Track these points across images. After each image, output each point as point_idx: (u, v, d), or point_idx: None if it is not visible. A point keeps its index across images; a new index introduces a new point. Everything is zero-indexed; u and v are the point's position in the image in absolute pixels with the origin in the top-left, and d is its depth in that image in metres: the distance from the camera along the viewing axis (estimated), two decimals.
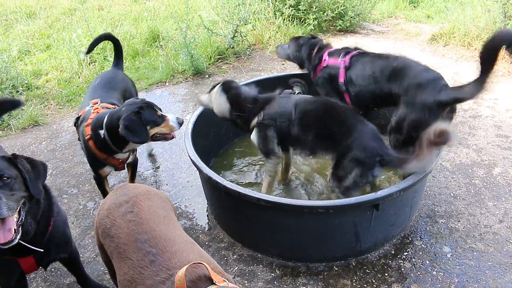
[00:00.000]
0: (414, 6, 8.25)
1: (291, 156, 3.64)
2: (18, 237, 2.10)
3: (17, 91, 5.64)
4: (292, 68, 6.05)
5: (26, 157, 2.27)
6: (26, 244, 2.21)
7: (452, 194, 3.65)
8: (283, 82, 3.88)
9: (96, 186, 3.74)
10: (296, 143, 3.25)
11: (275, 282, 2.96)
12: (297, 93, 3.59)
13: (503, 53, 5.58)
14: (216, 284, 1.62)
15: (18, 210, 2.10)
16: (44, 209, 2.31)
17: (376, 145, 2.98)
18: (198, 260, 1.74)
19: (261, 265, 3.11)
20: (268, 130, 3.24)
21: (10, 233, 2.04)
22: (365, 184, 3.11)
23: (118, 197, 2.15)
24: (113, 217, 2.05)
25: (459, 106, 4.84)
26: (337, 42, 6.92)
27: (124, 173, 4.14)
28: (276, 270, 3.06)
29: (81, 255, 3.19)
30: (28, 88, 5.79)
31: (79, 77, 6.07)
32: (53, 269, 3.17)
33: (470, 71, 5.66)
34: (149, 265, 1.76)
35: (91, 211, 3.72)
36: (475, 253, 3.11)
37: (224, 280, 1.66)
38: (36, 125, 5.06)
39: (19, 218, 2.12)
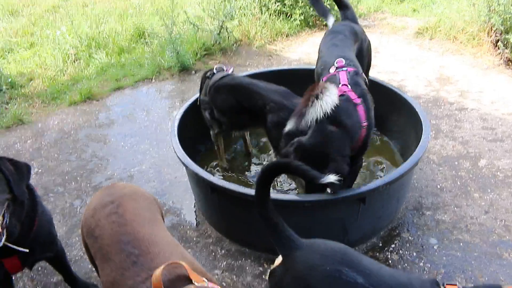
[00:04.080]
0: (401, 0, 8.26)
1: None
2: (3, 239, 2.07)
3: (1, 90, 5.56)
4: (278, 63, 6.05)
5: (9, 159, 2.24)
6: (10, 245, 2.18)
7: (438, 186, 3.68)
8: (271, 77, 3.90)
9: (82, 184, 3.72)
10: (221, 123, 3.71)
11: (263, 276, 2.96)
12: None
13: (488, 46, 5.65)
14: (194, 284, 1.61)
15: (2, 213, 2.07)
16: (28, 210, 2.28)
17: (283, 100, 3.16)
18: (180, 261, 1.73)
19: (249, 260, 3.11)
20: (204, 112, 3.80)
21: None
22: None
23: (104, 197, 2.13)
24: (97, 217, 2.03)
25: (445, 100, 4.90)
26: None
27: (111, 170, 4.12)
28: (264, 264, 3.06)
29: (68, 254, 3.16)
30: (12, 87, 5.70)
31: (64, 75, 5.99)
32: (40, 268, 3.13)
33: (455, 64, 5.70)
34: (131, 266, 1.75)
35: (78, 209, 3.68)
36: (461, 244, 3.13)
37: (203, 280, 1.66)
38: (21, 124, 4.99)
39: (3, 220, 2.08)
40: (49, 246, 2.51)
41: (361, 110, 2.89)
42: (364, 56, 3.56)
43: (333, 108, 2.79)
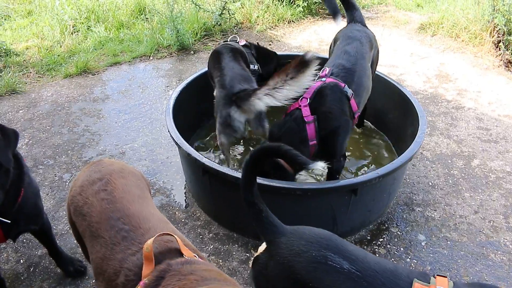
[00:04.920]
0: None
1: None
2: None
3: None
4: (278, 49, 5.99)
5: None
6: None
7: (430, 184, 3.68)
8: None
9: (73, 158, 3.68)
10: None
11: (250, 262, 2.95)
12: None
13: (490, 46, 5.63)
14: (185, 257, 1.60)
15: None
16: (14, 179, 2.23)
17: (234, 84, 3.12)
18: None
19: (236, 245, 3.10)
20: None
21: None
22: (231, 130, 3.25)
23: (92, 174, 2.08)
24: (85, 195, 1.99)
25: (442, 97, 4.89)
26: (326, 25, 6.87)
27: (103, 146, 4.08)
28: (252, 250, 3.05)
29: (54, 227, 3.15)
30: (7, 54, 5.61)
31: (60, 46, 5.90)
32: (24, 240, 3.11)
33: (455, 62, 5.68)
34: (121, 241, 1.73)
35: (67, 183, 3.65)
36: (449, 242, 3.14)
37: (194, 256, 1.64)
38: (14, 93, 4.92)
39: None
40: (35, 218, 2.47)
41: (310, 128, 2.87)
42: (373, 62, 3.53)
43: (277, 125, 2.93)
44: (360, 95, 3.15)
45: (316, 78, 3.07)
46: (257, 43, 4.09)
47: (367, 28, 3.62)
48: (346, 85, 3.01)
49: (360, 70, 3.17)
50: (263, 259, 1.90)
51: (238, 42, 3.88)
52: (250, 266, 2.02)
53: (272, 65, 4.01)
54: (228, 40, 3.94)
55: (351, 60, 3.17)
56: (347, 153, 3.51)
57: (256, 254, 1.97)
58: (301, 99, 2.98)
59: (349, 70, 3.11)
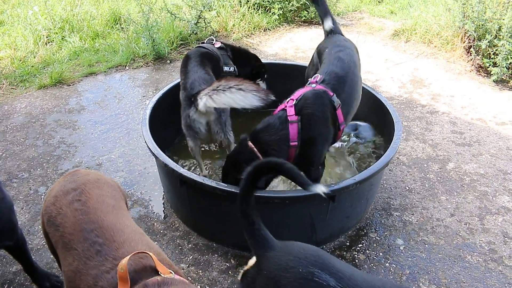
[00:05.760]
0: (379, 1, 8.34)
1: None
2: None
3: None
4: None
5: None
6: None
7: (407, 188, 3.73)
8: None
9: (48, 170, 3.60)
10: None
11: (230, 272, 2.94)
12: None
13: (461, 51, 5.75)
14: (161, 276, 1.58)
15: None
16: None
17: (195, 86, 3.16)
18: (147, 250, 1.69)
19: (216, 255, 3.08)
20: None
21: None
22: (193, 132, 3.33)
23: (66, 184, 2.05)
24: (59, 205, 1.95)
25: (417, 102, 4.97)
26: (302, 33, 6.93)
27: (79, 157, 4.02)
28: (231, 259, 3.04)
29: (29, 242, 3.07)
30: None
31: (34, 57, 5.81)
32: None
33: (429, 67, 5.79)
34: (95, 255, 1.70)
35: (42, 196, 3.58)
36: (426, 245, 3.18)
37: (170, 272, 1.62)
38: None
39: None
40: (9, 234, 2.41)
41: (293, 128, 2.88)
42: None
43: (262, 124, 2.94)
44: (349, 105, 3.10)
45: (307, 83, 3.09)
46: (235, 45, 4.10)
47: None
48: (335, 95, 2.97)
49: (352, 79, 3.14)
50: (251, 273, 1.89)
51: (213, 44, 3.87)
52: (239, 279, 2.00)
53: (248, 67, 4.01)
54: (205, 42, 3.93)
55: (345, 68, 3.13)
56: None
57: (245, 268, 1.96)
58: (288, 100, 2.99)
59: (341, 79, 3.07)
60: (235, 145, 3.33)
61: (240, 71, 3.91)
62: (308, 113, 2.91)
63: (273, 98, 2.90)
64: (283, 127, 2.88)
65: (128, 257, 1.59)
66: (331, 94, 2.96)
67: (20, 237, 2.56)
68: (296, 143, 2.88)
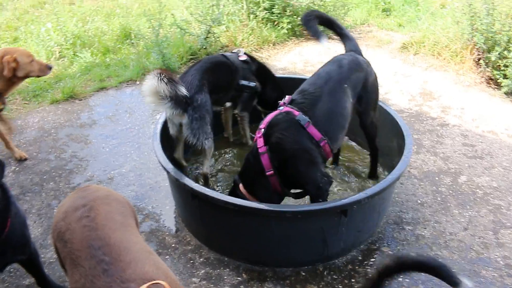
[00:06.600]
0: (387, 15, 8.36)
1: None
2: None
3: None
4: None
5: None
6: None
7: (419, 201, 3.70)
8: None
9: (61, 184, 3.62)
10: None
11: (242, 286, 2.93)
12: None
13: (471, 63, 5.74)
14: None
15: None
16: (1, 210, 2.20)
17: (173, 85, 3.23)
18: (155, 271, 1.70)
19: (227, 269, 3.07)
20: None
21: None
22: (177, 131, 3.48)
23: (76, 200, 2.08)
24: (68, 221, 1.97)
25: (427, 115, 4.96)
26: (311, 47, 6.96)
27: (91, 171, 4.05)
28: (243, 274, 3.03)
29: (42, 256, 3.09)
30: None
31: None
32: (11, 270, 3.04)
33: (438, 80, 5.78)
34: (102, 274, 1.69)
35: (55, 210, 3.60)
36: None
37: None
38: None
39: None
40: (22, 248, 2.44)
41: (265, 159, 2.91)
42: (368, 92, 3.44)
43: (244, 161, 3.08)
44: (323, 122, 2.98)
45: (278, 106, 3.10)
46: (265, 65, 4.18)
47: (361, 55, 3.57)
48: (301, 113, 2.93)
49: (328, 94, 3.05)
50: None
51: (239, 56, 3.86)
52: None
53: (268, 87, 4.04)
54: (231, 51, 3.95)
55: (318, 84, 3.08)
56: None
57: None
58: (258, 130, 3.04)
59: (311, 95, 3.03)
60: (212, 152, 3.54)
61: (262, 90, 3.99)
62: (273, 141, 2.93)
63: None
64: (256, 161, 2.96)
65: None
66: (296, 113, 2.93)
67: (33, 251, 2.59)
68: (271, 171, 2.92)
